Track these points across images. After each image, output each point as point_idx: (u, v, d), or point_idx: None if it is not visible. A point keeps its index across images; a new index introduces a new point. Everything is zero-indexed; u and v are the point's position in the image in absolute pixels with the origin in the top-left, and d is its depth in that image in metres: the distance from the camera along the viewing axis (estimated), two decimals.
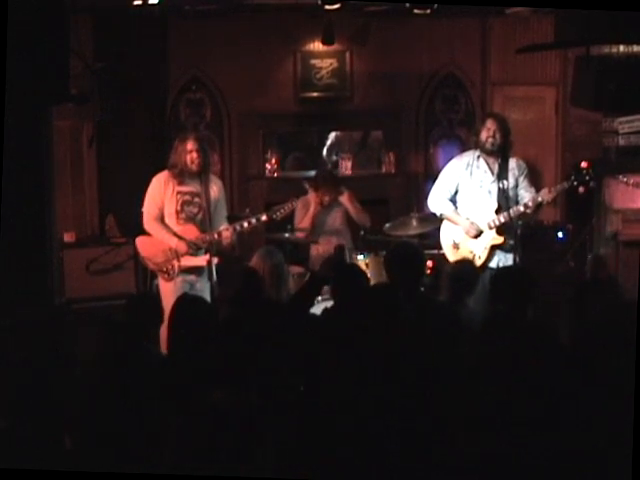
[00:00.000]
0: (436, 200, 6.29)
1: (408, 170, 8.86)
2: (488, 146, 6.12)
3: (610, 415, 3.59)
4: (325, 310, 4.88)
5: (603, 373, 3.73)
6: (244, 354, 4.14)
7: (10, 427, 3.92)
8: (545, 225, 7.83)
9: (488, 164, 6.18)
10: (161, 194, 5.99)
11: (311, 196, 7.31)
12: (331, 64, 8.57)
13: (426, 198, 6.45)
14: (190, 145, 5.93)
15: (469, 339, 4.27)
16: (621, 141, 7.93)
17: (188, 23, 8.14)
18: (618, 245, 7.86)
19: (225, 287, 5.36)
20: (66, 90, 5.16)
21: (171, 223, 6.00)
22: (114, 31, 7.79)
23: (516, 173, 6.18)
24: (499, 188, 6.14)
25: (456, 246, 6.23)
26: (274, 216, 6.10)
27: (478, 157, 6.20)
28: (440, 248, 6.38)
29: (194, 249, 5.96)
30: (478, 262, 6.06)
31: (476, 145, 6.24)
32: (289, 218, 6.87)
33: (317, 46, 8.48)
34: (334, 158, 9.23)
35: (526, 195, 6.13)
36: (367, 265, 6.68)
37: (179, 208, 5.98)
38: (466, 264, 5.69)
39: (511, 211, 6.06)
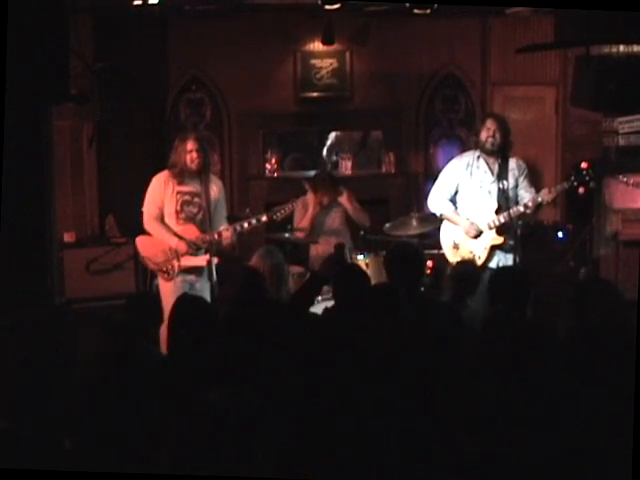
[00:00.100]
0: (436, 200, 6.29)
1: (408, 170, 8.86)
2: (488, 146, 6.12)
3: (610, 415, 3.59)
4: (325, 310, 4.88)
5: (603, 373, 3.73)
6: (244, 354, 4.13)
7: (10, 427, 3.92)
8: (545, 225, 7.84)
9: (488, 164, 6.18)
10: (161, 194, 5.99)
11: (310, 197, 7.32)
12: (331, 64, 8.57)
13: (426, 198, 6.45)
14: (190, 145, 5.92)
15: (469, 339, 4.27)
16: (621, 141, 7.93)
17: (188, 23, 8.14)
18: (618, 245, 7.86)
19: (226, 287, 5.36)
20: (66, 90, 5.16)
21: (171, 223, 6.00)
22: (114, 31, 7.79)
23: (516, 173, 6.18)
24: (499, 188, 6.14)
25: (456, 246, 6.23)
26: (274, 217, 6.11)
27: (478, 157, 6.20)
28: (440, 248, 6.38)
29: (194, 249, 5.96)
30: (478, 262, 6.06)
31: (476, 145, 6.24)
32: (289, 218, 6.88)
33: (317, 46, 8.49)
34: (334, 158, 9.23)
35: (526, 195, 6.13)
36: (367, 265, 6.68)
37: (179, 208, 5.98)
38: (468, 265, 5.70)
39: (511, 211, 6.06)
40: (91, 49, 7.53)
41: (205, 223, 5.98)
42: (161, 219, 6.01)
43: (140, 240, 6.11)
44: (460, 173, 6.22)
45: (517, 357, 3.86)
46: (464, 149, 7.41)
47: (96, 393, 4.10)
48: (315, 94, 8.60)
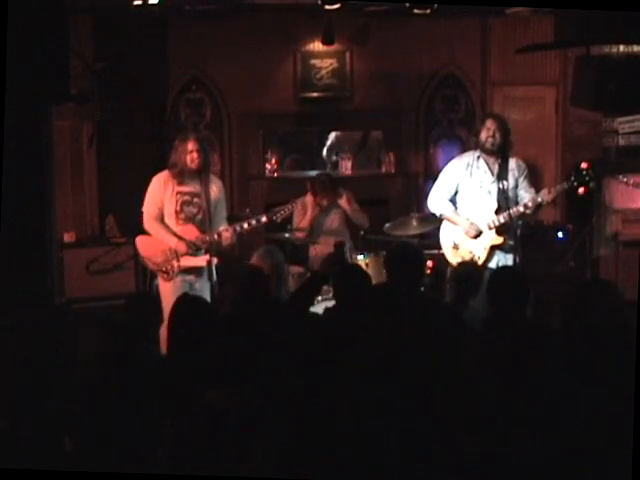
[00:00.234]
0: (436, 200, 6.29)
1: (408, 170, 8.86)
2: (488, 146, 6.12)
3: (610, 415, 3.59)
4: (326, 309, 4.88)
5: (603, 373, 3.73)
6: (244, 354, 4.13)
7: (10, 427, 3.92)
8: (545, 225, 7.84)
9: (488, 164, 6.17)
10: (161, 194, 5.99)
11: (309, 198, 7.33)
12: (331, 64, 8.57)
13: (426, 198, 6.44)
14: (191, 145, 5.92)
15: (469, 339, 4.27)
16: (621, 141, 7.94)
17: (188, 23, 8.14)
18: (618, 245, 7.87)
19: (227, 286, 5.36)
20: (66, 90, 5.16)
21: (171, 223, 5.99)
22: (114, 31, 7.79)
23: (516, 173, 6.17)
24: (499, 188, 6.14)
25: (456, 246, 6.22)
26: (274, 217, 6.10)
27: (478, 157, 6.20)
28: (440, 248, 6.37)
29: (194, 249, 5.96)
30: (478, 262, 6.06)
31: (476, 145, 6.24)
32: (289, 218, 6.88)
33: (317, 46, 8.49)
34: (334, 158, 9.23)
35: (526, 195, 6.12)
36: (367, 265, 6.69)
37: (178, 208, 5.97)
38: (470, 265, 5.70)
39: (511, 211, 6.06)
40: (91, 49, 7.53)
41: (205, 223, 5.97)
42: (161, 219, 6.00)
43: (140, 240, 6.10)
44: (460, 173, 6.22)
45: (517, 357, 3.86)
46: (464, 149, 7.42)
47: (96, 393, 4.10)
48: (315, 94, 8.60)
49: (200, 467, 3.42)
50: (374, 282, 5.38)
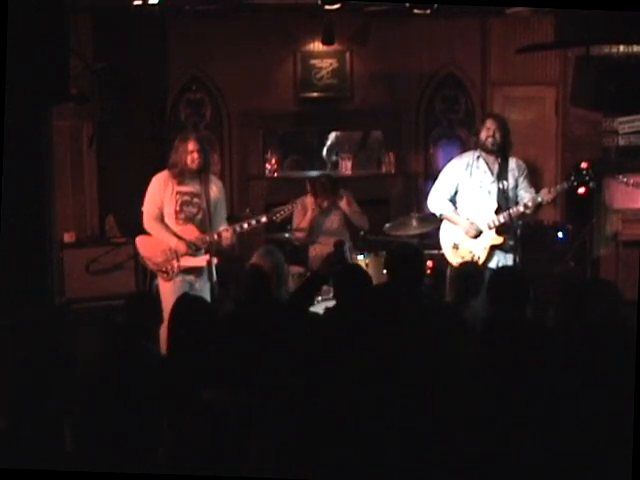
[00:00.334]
0: (436, 200, 6.29)
1: (408, 170, 8.86)
2: (488, 145, 6.12)
3: (610, 415, 3.59)
4: (326, 309, 4.88)
5: (603, 373, 3.73)
6: (244, 353, 4.13)
7: (10, 427, 3.92)
8: (545, 225, 7.83)
9: (488, 164, 6.18)
10: (161, 194, 5.99)
11: (310, 199, 7.33)
12: (331, 64, 8.57)
13: (426, 198, 6.44)
14: (191, 145, 5.92)
15: (469, 339, 4.27)
16: (621, 141, 7.95)
17: (188, 23, 8.14)
18: (618, 245, 7.87)
19: (231, 286, 5.36)
20: (66, 90, 5.15)
21: (170, 223, 5.99)
22: (114, 31, 7.79)
23: (516, 173, 6.18)
24: (499, 188, 6.14)
25: (456, 246, 6.22)
26: (274, 218, 6.10)
27: (478, 157, 6.20)
28: (440, 248, 6.37)
29: (194, 249, 5.96)
30: (478, 262, 6.06)
31: (476, 145, 6.24)
32: (289, 218, 6.89)
33: (317, 46, 8.49)
34: (334, 158, 9.23)
35: (526, 195, 6.13)
36: (367, 265, 6.69)
37: (178, 208, 5.97)
38: (471, 266, 5.70)
39: (511, 211, 6.06)
40: (91, 49, 7.53)
41: (205, 223, 5.97)
42: (161, 219, 6.00)
43: (140, 240, 6.10)
44: (460, 173, 6.22)
45: (517, 357, 3.86)
46: (464, 149, 7.42)
47: (96, 393, 4.10)
48: (315, 94, 8.60)
49: (200, 467, 3.42)
50: (374, 282, 5.39)
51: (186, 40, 8.24)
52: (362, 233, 7.36)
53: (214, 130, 8.53)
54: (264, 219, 6.07)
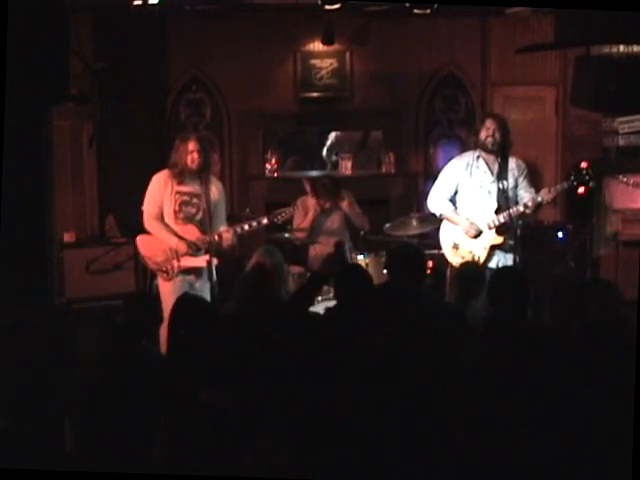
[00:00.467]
0: (436, 200, 6.29)
1: (408, 170, 8.86)
2: (488, 145, 6.12)
3: (610, 415, 3.59)
4: (326, 309, 4.88)
5: (603, 373, 3.73)
6: (244, 353, 4.13)
7: (10, 427, 3.92)
8: (545, 225, 7.84)
9: (488, 164, 6.18)
10: (160, 193, 5.99)
11: (310, 199, 7.33)
12: (331, 64, 8.57)
13: (426, 198, 6.44)
14: (192, 145, 5.92)
15: (469, 339, 4.27)
16: (621, 141, 7.95)
17: (188, 23, 8.15)
18: (618, 245, 7.87)
19: (234, 285, 5.35)
20: (66, 90, 5.15)
21: (170, 223, 5.99)
22: (114, 31, 7.80)
23: (516, 173, 6.18)
24: (499, 188, 6.14)
25: (456, 246, 6.22)
26: (275, 219, 6.10)
27: (478, 157, 6.20)
28: (440, 248, 6.37)
29: (194, 249, 5.96)
30: (478, 262, 6.06)
31: (476, 145, 6.24)
32: (289, 219, 6.88)
33: (317, 46, 8.49)
34: (334, 158, 9.23)
35: (526, 195, 6.13)
36: (367, 265, 6.69)
37: (177, 208, 5.97)
38: (472, 266, 5.69)
39: (511, 211, 6.06)
40: (91, 49, 7.53)
41: (205, 224, 5.97)
42: (161, 218, 6.00)
43: (140, 239, 6.10)
44: (460, 173, 6.22)
45: (517, 357, 3.86)
46: (464, 149, 7.42)
47: (96, 393, 4.10)
48: (315, 94, 8.60)
49: (199, 467, 3.42)
50: (374, 282, 5.39)
51: (186, 40, 8.24)
52: (362, 233, 7.37)
53: (214, 130, 8.53)
54: (265, 221, 6.07)
